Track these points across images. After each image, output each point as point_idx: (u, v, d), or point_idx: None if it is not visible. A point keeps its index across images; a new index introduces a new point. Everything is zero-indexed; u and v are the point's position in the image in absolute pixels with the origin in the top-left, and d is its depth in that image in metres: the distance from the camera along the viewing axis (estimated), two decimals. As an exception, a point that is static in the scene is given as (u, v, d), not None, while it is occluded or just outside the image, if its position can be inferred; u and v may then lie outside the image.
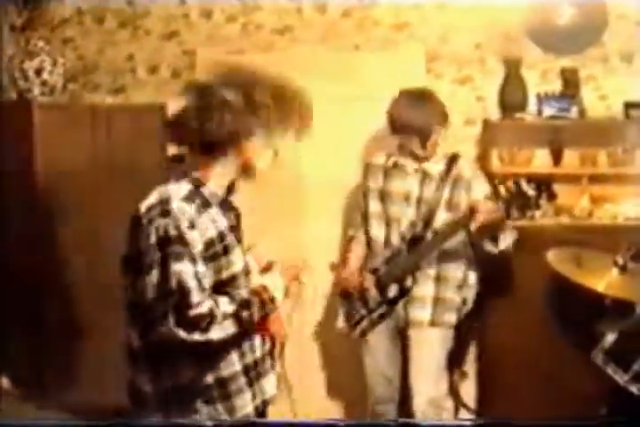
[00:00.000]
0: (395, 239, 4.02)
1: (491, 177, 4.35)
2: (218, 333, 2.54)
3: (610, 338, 2.96)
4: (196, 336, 2.50)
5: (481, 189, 3.96)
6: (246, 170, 2.69)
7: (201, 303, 2.50)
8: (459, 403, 4.73)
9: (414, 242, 3.95)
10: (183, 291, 2.48)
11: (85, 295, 4.34)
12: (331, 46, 4.85)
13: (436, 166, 4.03)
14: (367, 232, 4.16)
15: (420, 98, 3.94)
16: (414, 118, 3.87)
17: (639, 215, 4.57)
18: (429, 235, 3.94)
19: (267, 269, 2.87)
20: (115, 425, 2.76)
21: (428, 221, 3.95)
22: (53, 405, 3.87)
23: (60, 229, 4.22)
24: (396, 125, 3.93)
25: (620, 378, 2.89)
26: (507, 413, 4.34)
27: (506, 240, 3.89)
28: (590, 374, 3.09)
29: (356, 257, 4.18)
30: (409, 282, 3.95)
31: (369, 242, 4.15)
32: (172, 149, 2.82)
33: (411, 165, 4.04)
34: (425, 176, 4.02)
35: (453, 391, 4.64)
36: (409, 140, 3.95)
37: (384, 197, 4.10)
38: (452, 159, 4.06)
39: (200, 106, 2.59)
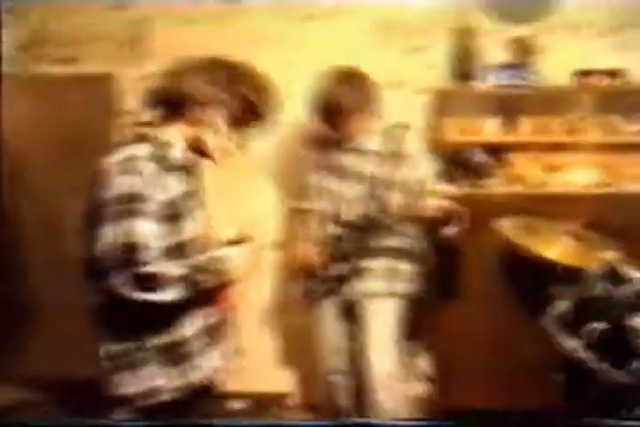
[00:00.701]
0: (343, 216, 3.99)
1: (443, 146, 4.36)
2: (166, 295, 2.53)
3: (560, 305, 2.99)
4: (145, 296, 2.49)
5: (426, 165, 3.93)
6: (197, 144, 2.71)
7: (151, 262, 2.49)
8: (415, 375, 4.74)
9: (366, 220, 3.92)
10: (134, 248, 2.47)
11: (44, 268, 4.32)
12: (280, 16, 4.81)
13: (370, 143, 3.98)
14: (314, 207, 4.14)
15: (348, 77, 3.88)
16: (337, 97, 3.81)
17: (592, 184, 4.58)
18: (380, 214, 3.90)
19: (235, 241, 2.85)
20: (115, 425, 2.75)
21: (378, 200, 3.90)
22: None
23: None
24: (320, 103, 3.88)
25: (570, 344, 2.91)
26: (462, 385, 4.37)
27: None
28: (545, 342, 3.11)
29: (310, 232, 4.15)
30: (360, 257, 3.93)
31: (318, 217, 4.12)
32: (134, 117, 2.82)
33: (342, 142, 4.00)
34: (361, 153, 3.97)
35: (409, 363, 4.65)
36: (330, 118, 3.90)
37: (330, 171, 4.06)
38: (392, 134, 3.97)
39: (175, 71, 2.68)
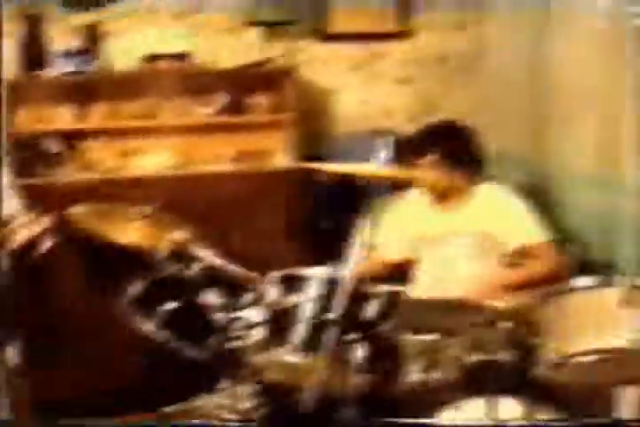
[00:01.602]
0: None
1: (16, 138, 4.24)
2: None
3: (133, 288, 3.01)
4: None
5: None
6: None
7: None
8: None
9: None
10: None
11: None
12: None
13: None
14: None
15: None
16: None
17: (168, 166, 4.67)
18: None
19: None
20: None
21: None
22: None
23: None
24: None
25: (147, 326, 2.95)
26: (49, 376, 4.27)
27: None
28: (126, 325, 3.11)
29: None
30: None
31: None
32: None
33: None
34: None
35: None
36: None
37: None
38: None
39: None
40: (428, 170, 3.43)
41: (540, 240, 3.46)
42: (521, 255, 3.47)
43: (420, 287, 3.60)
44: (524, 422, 2.62)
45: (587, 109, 3.74)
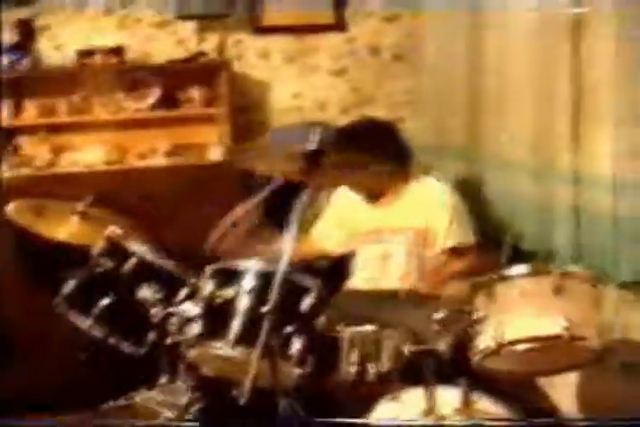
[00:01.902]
0: None
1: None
2: None
3: (69, 285, 2.98)
4: None
5: None
6: None
7: None
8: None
9: None
10: None
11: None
12: None
13: None
14: None
15: None
16: None
17: (101, 161, 4.63)
18: None
19: None
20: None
21: None
22: None
23: None
24: None
25: (83, 323, 2.93)
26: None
27: None
28: (66, 323, 3.08)
29: None
30: None
31: None
32: None
33: None
34: None
35: None
36: None
37: None
38: None
39: None
40: (351, 170, 3.41)
41: (468, 241, 3.50)
42: (450, 253, 3.51)
43: (357, 280, 3.63)
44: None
45: (521, 100, 3.78)
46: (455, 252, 3.49)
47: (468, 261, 3.47)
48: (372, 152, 3.46)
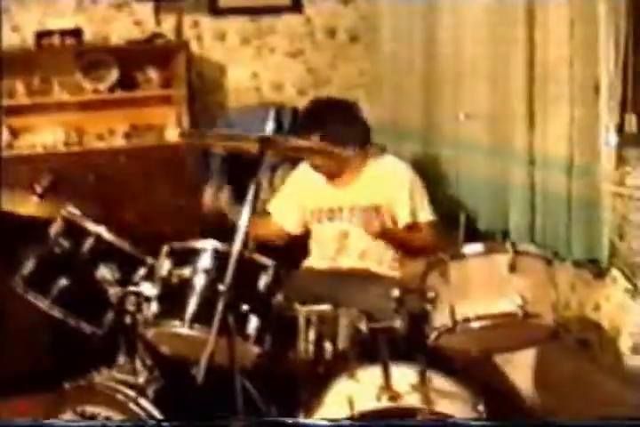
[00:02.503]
0: None
1: None
2: None
3: (26, 265, 2.97)
4: None
5: None
6: None
7: None
8: None
9: None
10: None
11: None
12: None
13: None
14: None
15: None
16: None
17: (60, 143, 4.62)
18: None
19: None
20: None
21: None
22: None
23: None
24: None
25: (42, 303, 2.92)
26: None
27: None
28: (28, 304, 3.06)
29: None
30: None
31: None
32: None
33: None
34: None
35: None
36: None
37: None
38: None
39: None
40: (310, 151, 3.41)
41: (426, 218, 3.54)
42: (408, 230, 3.54)
43: (315, 259, 3.65)
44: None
45: (477, 80, 3.81)
46: (413, 228, 3.52)
47: (426, 238, 3.51)
48: (333, 132, 3.46)
